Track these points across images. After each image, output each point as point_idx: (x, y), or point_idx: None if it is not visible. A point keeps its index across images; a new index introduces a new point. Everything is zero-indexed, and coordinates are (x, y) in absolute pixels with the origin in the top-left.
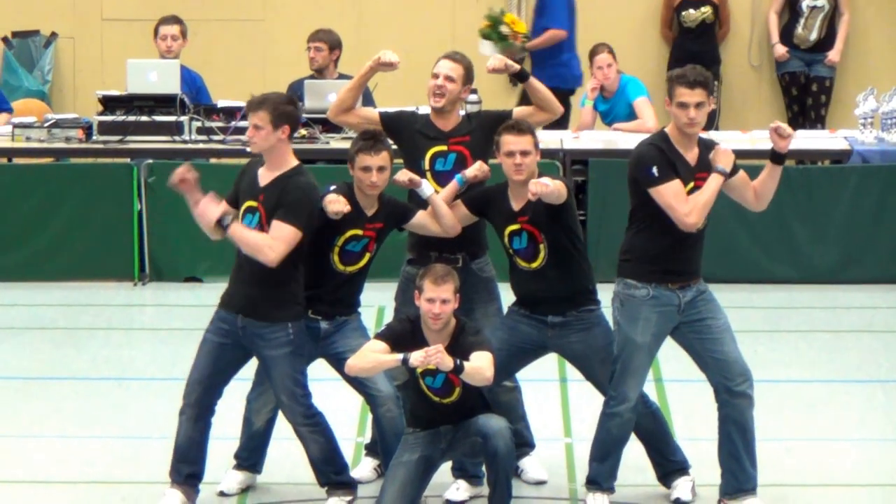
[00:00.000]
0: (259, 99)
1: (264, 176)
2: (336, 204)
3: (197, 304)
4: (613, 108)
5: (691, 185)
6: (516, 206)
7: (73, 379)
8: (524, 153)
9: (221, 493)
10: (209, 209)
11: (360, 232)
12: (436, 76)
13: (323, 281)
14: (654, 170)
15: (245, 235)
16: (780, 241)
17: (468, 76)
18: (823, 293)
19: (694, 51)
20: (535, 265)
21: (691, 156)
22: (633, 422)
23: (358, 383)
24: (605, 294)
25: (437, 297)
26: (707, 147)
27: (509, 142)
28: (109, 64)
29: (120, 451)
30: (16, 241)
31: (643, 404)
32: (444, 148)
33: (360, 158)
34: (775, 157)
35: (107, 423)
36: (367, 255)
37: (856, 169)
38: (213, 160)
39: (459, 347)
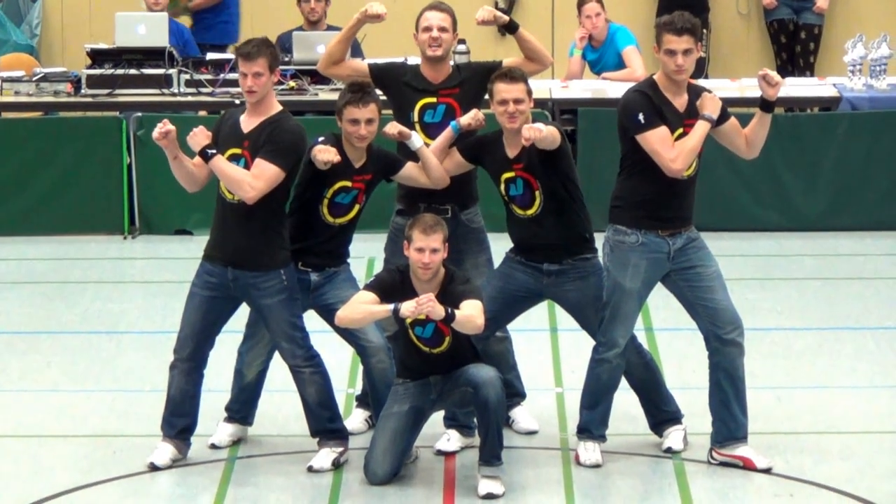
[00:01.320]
0: (256, 46)
1: (247, 122)
2: (326, 153)
3: (187, 257)
4: (602, 58)
5: (680, 131)
6: (511, 153)
7: (65, 333)
8: (517, 101)
9: (213, 446)
10: (196, 138)
11: (349, 184)
12: (428, 28)
13: (313, 233)
14: (641, 116)
15: (227, 168)
16: (769, 189)
17: (455, 24)
18: (813, 241)
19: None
20: (531, 212)
21: (680, 102)
22: (622, 368)
23: (349, 334)
24: (597, 243)
25: (427, 247)
26: (697, 94)
27: (502, 90)
28: (97, 18)
29: (111, 404)
30: (5, 195)
31: (637, 354)
32: (434, 100)
33: (347, 111)
34: (764, 104)
35: (98, 377)
36: (357, 207)
37: (845, 116)
38: (202, 113)
39: (449, 296)
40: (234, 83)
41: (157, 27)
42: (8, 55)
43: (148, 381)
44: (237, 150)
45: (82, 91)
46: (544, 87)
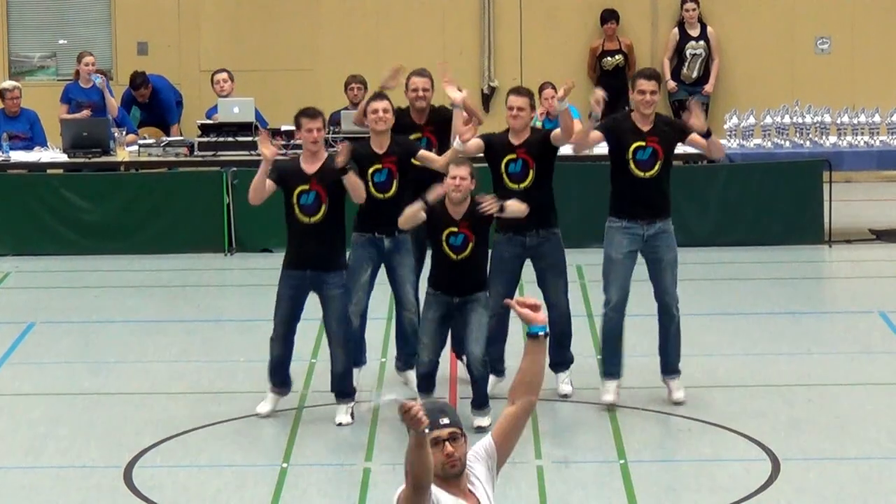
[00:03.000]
0: (315, 111)
1: (309, 167)
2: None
3: (269, 268)
4: (556, 127)
5: (642, 143)
6: (515, 141)
7: (184, 321)
8: (521, 108)
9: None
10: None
11: (379, 166)
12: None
13: (379, 208)
14: (601, 123)
15: (355, 179)
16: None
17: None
18: (703, 253)
19: (611, 86)
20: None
21: (645, 125)
22: (617, 320)
23: (396, 285)
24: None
25: (458, 175)
26: (665, 122)
27: (512, 100)
28: (206, 101)
29: (218, 370)
30: (143, 225)
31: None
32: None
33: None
34: (703, 134)
35: (208, 352)
36: (394, 183)
37: (725, 166)
38: None
39: (474, 215)
40: (298, 146)
41: (246, 108)
42: (145, 128)
43: (243, 354)
44: (306, 186)
45: (195, 153)
46: None
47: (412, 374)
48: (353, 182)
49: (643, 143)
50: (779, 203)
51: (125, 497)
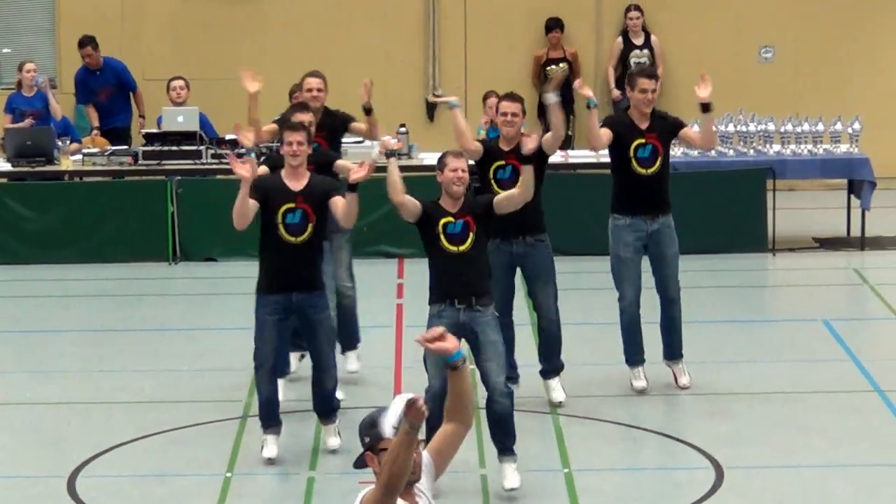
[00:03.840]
0: (297, 124)
1: (294, 184)
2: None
3: (213, 277)
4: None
5: (643, 140)
6: (505, 147)
7: (127, 330)
8: (514, 114)
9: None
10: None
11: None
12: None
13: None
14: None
15: (355, 201)
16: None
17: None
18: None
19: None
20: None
21: (643, 122)
22: (631, 313)
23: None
24: None
25: (459, 167)
26: (660, 117)
27: (504, 106)
28: (150, 111)
29: (162, 380)
30: (87, 234)
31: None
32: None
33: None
34: (703, 107)
35: (152, 361)
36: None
37: (670, 174)
38: (220, 177)
39: (470, 204)
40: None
41: (191, 117)
42: (89, 137)
43: (186, 364)
44: (292, 204)
45: (140, 162)
46: None
47: (353, 355)
48: (353, 202)
49: (643, 141)
50: (723, 211)
51: None
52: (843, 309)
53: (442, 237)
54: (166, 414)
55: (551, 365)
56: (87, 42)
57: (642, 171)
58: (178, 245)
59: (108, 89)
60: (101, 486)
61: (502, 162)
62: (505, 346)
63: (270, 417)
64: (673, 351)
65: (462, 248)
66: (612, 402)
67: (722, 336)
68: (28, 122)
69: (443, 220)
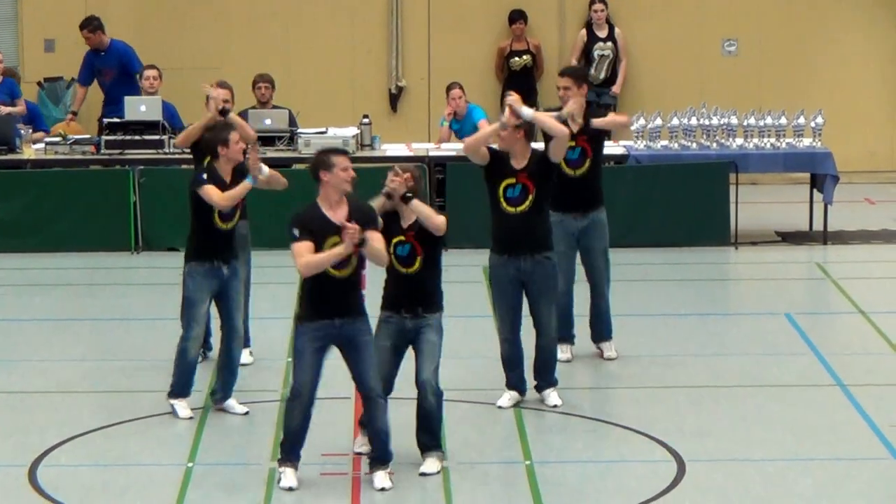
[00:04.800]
0: (342, 149)
1: (334, 214)
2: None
3: (175, 266)
4: (463, 127)
5: (573, 143)
6: (517, 165)
7: (89, 320)
8: (566, 88)
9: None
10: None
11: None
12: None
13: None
14: None
15: (380, 244)
16: None
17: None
18: (611, 254)
19: (519, 86)
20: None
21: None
22: (563, 294)
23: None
24: (464, 258)
25: (349, 166)
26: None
27: (558, 81)
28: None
29: (123, 369)
30: (48, 222)
31: None
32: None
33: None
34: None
35: (114, 350)
36: None
37: (632, 167)
38: (183, 166)
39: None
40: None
41: (153, 106)
42: (59, 124)
43: (149, 354)
44: (337, 238)
45: (102, 151)
46: (423, 147)
47: (232, 402)
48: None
49: (573, 144)
50: (685, 205)
51: (29, 496)
52: (806, 303)
53: (394, 258)
54: (128, 403)
55: (546, 381)
56: (84, 24)
57: (570, 172)
58: (141, 235)
59: (111, 71)
60: (62, 475)
61: (513, 180)
62: (516, 364)
63: (293, 451)
64: (601, 335)
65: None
66: (575, 394)
67: (685, 329)
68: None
69: (504, 182)
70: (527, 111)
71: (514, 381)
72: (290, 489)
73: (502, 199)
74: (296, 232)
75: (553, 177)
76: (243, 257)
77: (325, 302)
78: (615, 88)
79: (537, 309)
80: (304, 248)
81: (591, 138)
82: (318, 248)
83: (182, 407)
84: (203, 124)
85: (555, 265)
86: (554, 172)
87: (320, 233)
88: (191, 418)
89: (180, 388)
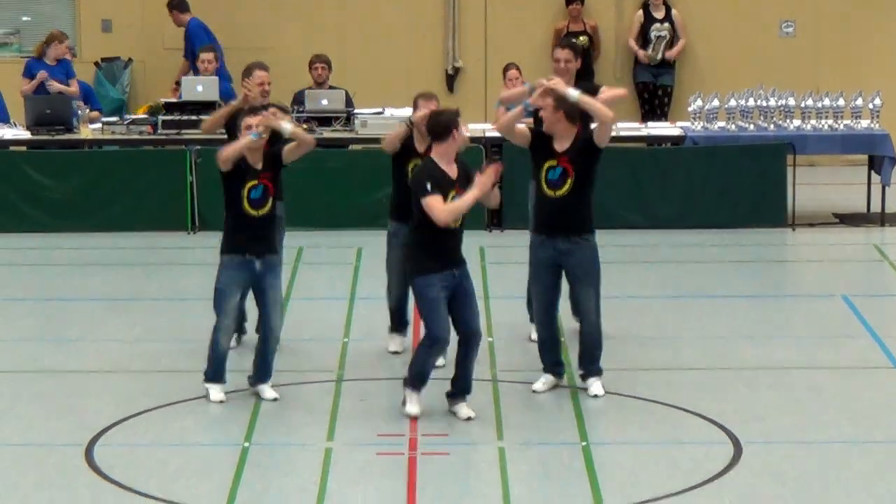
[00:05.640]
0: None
1: (451, 170)
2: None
3: None
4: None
5: (553, 162)
6: (559, 147)
7: (146, 300)
8: (567, 60)
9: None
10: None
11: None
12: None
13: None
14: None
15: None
16: (635, 198)
17: None
18: (667, 235)
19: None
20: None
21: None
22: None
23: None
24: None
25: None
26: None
27: (558, 53)
28: (169, 79)
29: (180, 349)
30: (109, 202)
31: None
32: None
33: None
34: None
35: (169, 329)
36: None
37: (689, 148)
38: None
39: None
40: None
41: (210, 86)
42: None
43: (203, 335)
44: (454, 192)
45: (159, 131)
46: (479, 128)
47: (264, 387)
48: None
49: (554, 163)
50: (742, 186)
51: (86, 475)
52: (863, 284)
53: (543, 182)
54: (184, 383)
55: (588, 369)
56: (168, 4)
57: (550, 192)
58: (197, 214)
59: (189, 49)
60: (118, 454)
61: (553, 162)
62: (552, 344)
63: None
64: (589, 370)
65: (560, 192)
66: (631, 376)
67: (741, 311)
68: (42, 75)
69: (546, 164)
70: (573, 92)
71: (549, 364)
72: (469, 419)
73: (543, 182)
74: (428, 186)
75: (597, 160)
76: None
77: (450, 253)
78: (672, 53)
79: (576, 293)
80: (438, 200)
81: (573, 158)
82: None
83: (215, 391)
84: (227, 112)
85: (594, 248)
86: (597, 157)
87: (444, 187)
88: (222, 402)
89: (213, 373)
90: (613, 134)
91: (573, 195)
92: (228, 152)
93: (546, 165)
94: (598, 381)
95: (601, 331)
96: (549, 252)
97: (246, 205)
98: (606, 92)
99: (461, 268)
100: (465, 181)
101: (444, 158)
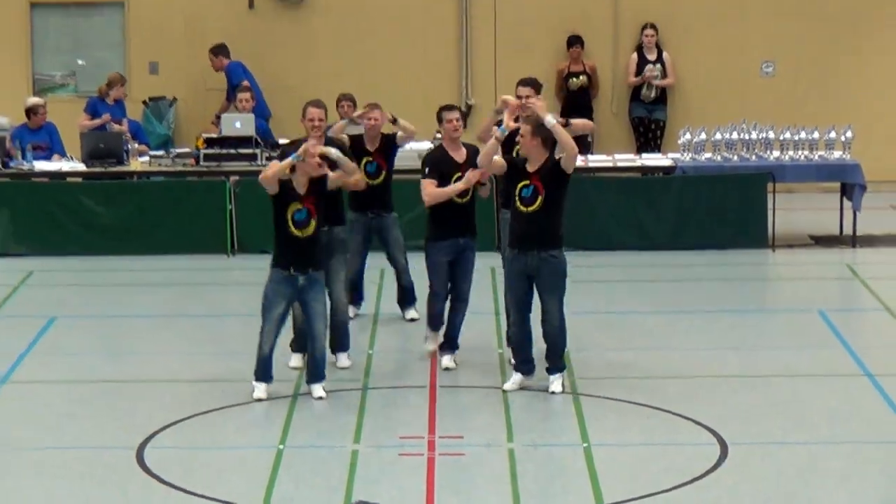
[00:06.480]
0: (452, 105)
1: (458, 156)
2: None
3: (267, 268)
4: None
5: (526, 181)
6: (531, 168)
7: (190, 316)
8: (528, 96)
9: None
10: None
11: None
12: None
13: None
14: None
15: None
16: (630, 222)
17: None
18: (659, 256)
19: (576, 104)
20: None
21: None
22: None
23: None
24: None
25: (454, 118)
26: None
27: (519, 90)
28: (210, 117)
29: (222, 360)
30: (154, 227)
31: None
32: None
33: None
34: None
35: (213, 342)
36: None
37: (679, 177)
38: None
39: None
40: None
41: (247, 123)
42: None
43: (243, 347)
44: (459, 174)
45: (201, 164)
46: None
47: (315, 387)
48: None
49: (527, 182)
50: (728, 211)
51: (137, 476)
52: (837, 301)
53: (517, 199)
54: (226, 391)
55: (551, 366)
56: (210, 49)
57: (523, 209)
58: (236, 239)
59: (229, 90)
60: (166, 456)
61: (527, 181)
62: (524, 344)
63: (433, 323)
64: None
65: (531, 208)
66: (627, 384)
67: (726, 324)
68: (106, 117)
69: (520, 184)
70: (549, 119)
71: (519, 364)
72: (447, 369)
73: (517, 199)
74: (426, 170)
75: (565, 184)
76: (341, 258)
77: (456, 225)
78: (666, 81)
79: (543, 300)
80: (429, 183)
81: (543, 177)
82: (446, 182)
83: (259, 389)
84: (286, 166)
85: (562, 262)
86: (566, 180)
87: (447, 170)
88: (260, 400)
89: (259, 373)
90: (610, 164)
91: (543, 211)
92: (269, 172)
93: (520, 185)
94: (560, 378)
95: (565, 331)
96: (521, 265)
97: (291, 226)
98: (579, 121)
99: (466, 238)
100: (473, 166)
101: (451, 144)
